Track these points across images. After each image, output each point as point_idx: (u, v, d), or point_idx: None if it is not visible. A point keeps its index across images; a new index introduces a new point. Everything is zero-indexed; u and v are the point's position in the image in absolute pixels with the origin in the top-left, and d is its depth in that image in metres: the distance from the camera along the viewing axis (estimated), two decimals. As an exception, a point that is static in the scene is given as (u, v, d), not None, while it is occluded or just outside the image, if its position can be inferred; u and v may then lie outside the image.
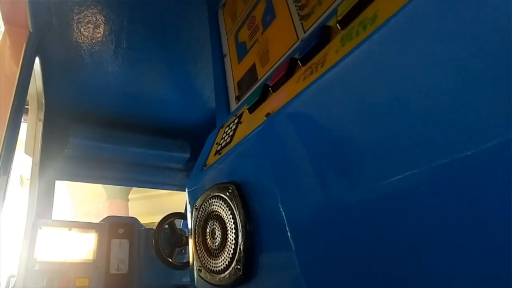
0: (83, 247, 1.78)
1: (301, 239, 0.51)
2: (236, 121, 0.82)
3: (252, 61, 0.89)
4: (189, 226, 0.83)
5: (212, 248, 0.70)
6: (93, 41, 1.49)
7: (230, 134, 0.80)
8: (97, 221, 1.99)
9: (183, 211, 2.14)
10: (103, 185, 4.82)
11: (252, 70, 0.88)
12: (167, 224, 1.96)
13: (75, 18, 1.36)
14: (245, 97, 0.89)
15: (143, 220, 2.27)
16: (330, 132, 0.48)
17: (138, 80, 1.77)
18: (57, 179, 2.04)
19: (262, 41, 0.87)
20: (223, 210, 0.68)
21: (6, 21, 1.27)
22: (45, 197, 1.89)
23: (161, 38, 1.51)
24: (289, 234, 0.53)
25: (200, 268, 0.73)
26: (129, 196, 5.83)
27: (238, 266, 0.61)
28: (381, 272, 0.38)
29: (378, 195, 0.39)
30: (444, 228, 0.32)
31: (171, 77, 1.80)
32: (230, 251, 0.63)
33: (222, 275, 0.65)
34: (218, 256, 0.67)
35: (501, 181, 0.28)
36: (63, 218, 1.96)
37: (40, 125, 1.74)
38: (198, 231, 0.76)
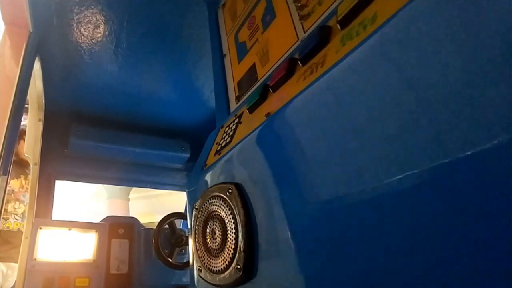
0: (83, 247, 1.78)
1: (301, 239, 0.51)
2: (236, 121, 0.82)
3: (252, 61, 0.89)
4: (189, 226, 0.83)
5: (212, 248, 0.70)
6: (93, 41, 1.49)
7: (230, 134, 0.80)
8: (97, 221, 2.00)
9: (183, 211, 2.14)
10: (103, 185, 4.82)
11: (252, 70, 0.88)
12: (167, 224, 1.96)
13: (75, 18, 1.36)
14: (245, 97, 0.89)
15: (143, 220, 2.27)
16: (330, 132, 0.48)
17: (138, 80, 1.77)
18: (57, 179, 2.04)
19: (262, 41, 0.87)
20: (223, 210, 0.68)
21: (6, 21, 1.27)
22: (45, 197, 1.90)
23: (161, 38, 1.51)
24: (289, 234, 0.53)
25: (200, 268, 0.73)
26: (130, 196, 5.84)
27: (238, 266, 0.61)
28: (382, 272, 0.38)
29: (379, 195, 0.39)
30: (443, 228, 0.32)
31: (171, 77, 1.80)
32: (230, 251, 0.63)
33: (222, 275, 0.65)
34: (218, 256, 0.67)
35: (501, 181, 0.28)
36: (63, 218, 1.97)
37: (40, 125, 1.74)
38: (198, 231, 0.76)
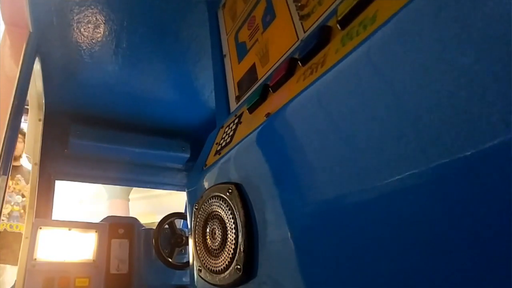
0: (83, 247, 1.78)
1: (301, 239, 0.51)
2: (236, 121, 0.82)
3: (252, 61, 0.89)
4: (189, 226, 0.83)
5: (212, 248, 0.70)
6: (93, 41, 1.49)
7: (230, 134, 0.80)
8: (97, 221, 2.00)
9: (183, 211, 2.15)
10: (104, 185, 4.82)
11: (252, 70, 0.88)
12: (167, 224, 1.96)
13: (75, 18, 1.36)
14: (245, 97, 0.89)
15: (143, 220, 2.27)
16: (330, 132, 0.48)
17: (138, 80, 1.77)
18: (57, 179, 2.04)
19: (262, 41, 0.87)
20: (223, 210, 0.68)
21: (6, 21, 1.27)
22: (45, 197, 1.90)
23: (161, 38, 1.51)
24: (289, 234, 0.53)
25: (200, 268, 0.73)
26: (130, 196, 5.84)
27: (238, 266, 0.61)
28: (382, 272, 0.38)
29: (379, 195, 0.39)
30: (444, 228, 0.32)
31: (171, 77, 1.80)
32: (230, 251, 0.63)
33: (222, 275, 0.65)
34: (218, 256, 0.67)
35: (501, 181, 0.28)
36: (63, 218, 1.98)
37: (40, 125, 1.74)
38: (198, 231, 0.76)
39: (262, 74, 0.83)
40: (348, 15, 0.53)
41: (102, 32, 1.44)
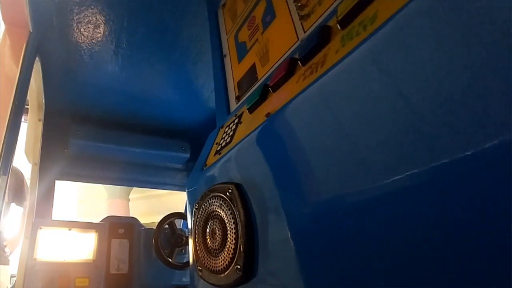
0: (83, 247, 1.78)
1: (301, 239, 0.51)
2: (236, 121, 0.82)
3: (252, 61, 0.89)
4: (189, 226, 0.83)
5: (212, 248, 0.70)
6: (93, 41, 1.49)
7: (230, 134, 0.80)
8: (97, 221, 2.00)
9: (183, 211, 2.15)
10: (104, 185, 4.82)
11: (252, 70, 0.88)
12: (167, 224, 1.96)
13: (75, 18, 1.36)
14: (245, 97, 0.89)
15: (143, 220, 2.27)
16: (330, 132, 0.48)
17: (138, 80, 1.77)
18: (57, 179, 2.04)
19: (262, 41, 0.87)
20: (223, 210, 0.68)
21: (6, 21, 1.27)
22: (45, 197, 1.90)
23: (161, 38, 1.51)
24: (289, 234, 0.53)
25: (200, 268, 0.73)
26: (130, 196, 5.83)
27: (238, 266, 0.61)
28: (382, 272, 0.38)
29: (379, 195, 0.39)
30: (443, 228, 0.32)
31: (171, 77, 1.80)
32: (230, 251, 0.63)
33: (222, 275, 0.65)
34: (218, 256, 0.67)
35: (501, 181, 0.28)
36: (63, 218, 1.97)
37: (40, 125, 1.74)
38: (198, 231, 0.76)
39: (262, 74, 0.83)
40: (348, 15, 0.53)
41: (102, 32, 1.44)
